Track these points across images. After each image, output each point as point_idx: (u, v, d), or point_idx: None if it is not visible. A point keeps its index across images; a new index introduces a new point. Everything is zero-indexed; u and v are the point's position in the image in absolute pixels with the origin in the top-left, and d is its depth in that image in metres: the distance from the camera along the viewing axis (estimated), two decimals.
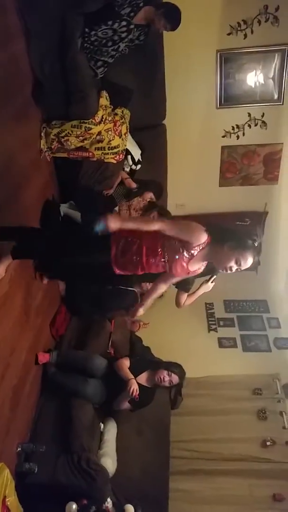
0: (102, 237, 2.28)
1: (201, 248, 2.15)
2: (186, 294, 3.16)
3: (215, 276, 3.03)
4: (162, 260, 2.21)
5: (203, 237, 2.12)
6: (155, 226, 2.14)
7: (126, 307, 3.77)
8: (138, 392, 2.98)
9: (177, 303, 3.21)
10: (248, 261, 2.14)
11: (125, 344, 3.77)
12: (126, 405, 3.14)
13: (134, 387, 2.99)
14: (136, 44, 3.11)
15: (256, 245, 2.16)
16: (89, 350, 3.31)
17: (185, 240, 2.13)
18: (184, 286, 3.14)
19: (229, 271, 2.18)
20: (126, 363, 3.20)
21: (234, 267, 2.15)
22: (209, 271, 3.04)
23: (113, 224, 2.11)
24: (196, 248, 2.14)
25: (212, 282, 3.03)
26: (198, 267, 2.28)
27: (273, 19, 3.78)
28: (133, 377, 3.07)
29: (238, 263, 2.13)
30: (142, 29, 3.03)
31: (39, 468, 2.58)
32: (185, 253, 2.16)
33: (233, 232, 2.22)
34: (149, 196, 3.65)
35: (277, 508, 3.32)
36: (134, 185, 3.73)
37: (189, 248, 2.14)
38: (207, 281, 3.06)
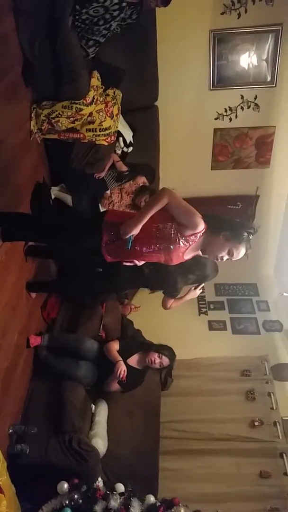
0: (94, 223, 2.26)
1: (197, 237, 2.14)
2: (172, 300, 3.21)
3: (203, 284, 3.08)
4: (157, 249, 2.19)
5: (201, 226, 2.11)
6: (165, 199, 2.07)
7: (117, 290, 3.80)
8: (125, 373, 3.01)
9: (164, 306, 3.28)
10: (241, 253, 2.18)
11: (116, 327, 3.79)
12: (116, 386, 3.18)
13: (122, 369, 3.01)
14: (129, 23, 3.04)
15: (251, 238, 2.19)
16: (80, 333, 3.33)
17: (182, 223, 2.10)
18: (171, 293, 3.18)
19: (219, 260, 2.21)
20: (115, 346, 3.22)
21: (225, 257, 2.19)
22: (198, 280, 3.10)
23: (135, 229, 2.08)
24: (192, 237, 2.13)
25: (200, 289, 3.09)
26: (192, 255, 2.29)
27: None
28: (121, 359, 3.10)
29: (230, 253, 2.17)
30: (135, 7, 2.95)
31: (31, 449, 2.62)
32: (181, 242, 2.14)
33: (230, 223, 2.23)
34: (142, 180, 3.62)
35: (263, 485, 3.42)
36: (124, 168, 3.69)
37: (184, 235, 2.12)
38: (195, 288, 3.11)
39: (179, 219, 2.10)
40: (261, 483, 3.43)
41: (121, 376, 2.99)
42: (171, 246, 2.16)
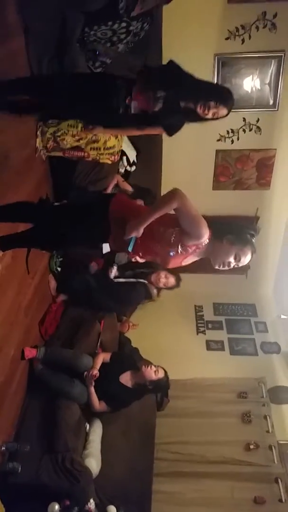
0: (101, 223, 2.17)
1: (199, 247, 2.06)
2: None
3: None
4: (154, 252, 2.13)
5: (205, 237, 2.01)
6: (174, 203, 1.97)
7: (141, 301, 3.88)
8: (96, 376, 3.06)
9: None
10: (248, 257, 2.06)
11: (113, 344, 3.77)
12: (103, 405, 3.15)
13: (92, 372, 3.07)
14: (143, 36, 3.03)
15: (254, 239, 2.09)
16: (77, 350, 3.31)
17: (187, 231, 2.01)
18: None
19: (226, 267, 2.08)
20: (101, 358, 3.30)
21: (233, 263, 2.07)
22: None
23: (136, 232, 2.01)
24: (193, 247, 2.05)
25: None
26: (192, 261, 2.19)
27: (271, 26, 3.80)
28: (97, 367, 3.16)
29: (237, 258, 2.05)
30: (144, 19, 2.98)
31: (23, 467, 2.58)
32: (180, 251, 2.06)
33: (231, 226, 2.13)
34: (140, 203, 3.62)
35: (258, 511, 3.36)
36: (129, 188, 3.70)
37: (185, 244, 2.03)
38: None
39: (184, 226, 2.01)
40: (255, 509, 3.36)
41: (91, 375, 3.05)
42: (170, 253, 2.08)
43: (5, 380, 2.71)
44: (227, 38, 3.88)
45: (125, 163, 3.79)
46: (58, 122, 3.09)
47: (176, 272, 3.78)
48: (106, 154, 3.29)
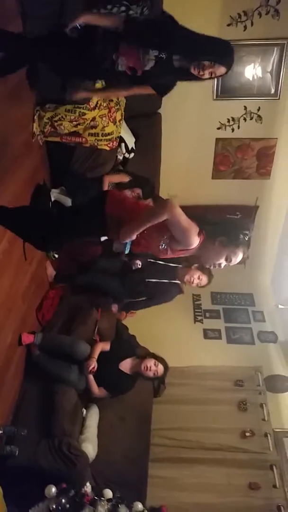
0: (98, 226, 2.19)
1: (186, 251, 2.09)
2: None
3: None
4: (147, 246, 2.15)
5: (195, 244, 2.03)
6: (164, 216, 1.96)
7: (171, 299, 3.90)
8: (95, 369, 3.07)
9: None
10: (239, 258, 2.09)
11: (111, 332, 3.78)
12: (102, 391, 3.17)
13: (91, 365, 3.07)
14: None
15: (247, 239, 2.09)
16: (75, 336, 3.32)
17: (176, 239, 2.03)
18: None
19: (217, 267, 2.12)
20: (101, 345, 3.29)
21: (223, 264, 2.10)
22: None
23: (133, 236, 2.02)
24: (181, 251, 2.09)
25: None
26: (183, 255, 2.22)
27: (273, 12, 3.75)
28: (95, 356, 3.14)
29: (228, 259, 2.07)
30: (143, 3, 2.93)
31: (20, 451, 2.60)
32: (168, 253, 2.11)
33: (224, 227, 2.13)
34: (138, 192, 3.61)
35: (253, 496, 3.40)
36: (124, 179, 3.66)
37: (174, 248, 2.08)
38: None
39: (174, 235, 2.03)
40: (250, 495, 3.41)
41: (89, 370, 3.05)
42: (160, 246, 2.11)
43: (2, 365, 2.73)
44: (228, 25, 3.82)
45: (123, 150, 3.75)
46: (56, 107, 3.07)
47: (208, 270, 3.76)
48: (104, 140, 3.27)
